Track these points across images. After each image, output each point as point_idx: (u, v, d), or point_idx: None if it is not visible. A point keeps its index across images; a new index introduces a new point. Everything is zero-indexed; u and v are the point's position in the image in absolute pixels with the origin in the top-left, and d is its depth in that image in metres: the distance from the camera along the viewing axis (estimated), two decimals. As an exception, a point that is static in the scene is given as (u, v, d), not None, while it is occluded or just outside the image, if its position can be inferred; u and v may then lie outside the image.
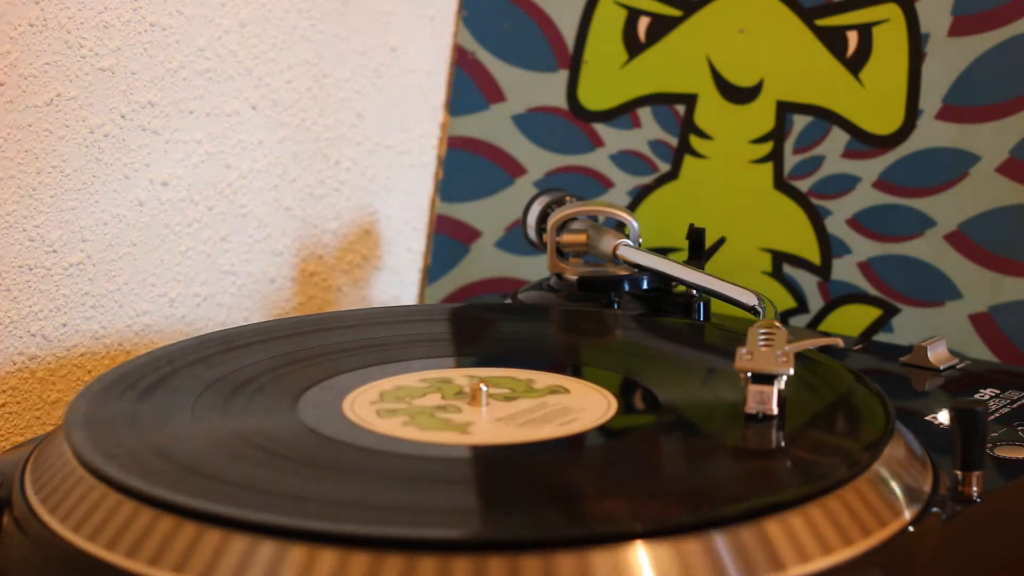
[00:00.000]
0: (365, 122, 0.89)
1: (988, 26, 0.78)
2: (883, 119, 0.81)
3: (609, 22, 0.89)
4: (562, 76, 0.90)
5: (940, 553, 0.52)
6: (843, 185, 0.82)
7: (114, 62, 0.76)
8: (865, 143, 0.82)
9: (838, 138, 0.82)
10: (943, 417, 0.64)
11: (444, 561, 0.46)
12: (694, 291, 0.74)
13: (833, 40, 0.82)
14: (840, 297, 0.83)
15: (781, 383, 0.56)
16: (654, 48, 0.88)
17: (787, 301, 0.84)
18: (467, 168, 0.93)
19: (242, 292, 0.84)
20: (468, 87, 0.93)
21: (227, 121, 0.82)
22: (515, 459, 0.54)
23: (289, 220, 0.86)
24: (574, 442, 0.55)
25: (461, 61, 0.93)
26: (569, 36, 0.90)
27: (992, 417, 0.64)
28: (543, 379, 0.63)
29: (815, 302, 0.83)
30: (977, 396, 0.67)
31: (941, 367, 0.71)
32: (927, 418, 0.64)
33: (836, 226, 0.82)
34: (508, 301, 0.80)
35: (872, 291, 0.82)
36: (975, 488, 0.54)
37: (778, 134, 0.84)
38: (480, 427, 0.57)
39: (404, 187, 0.92)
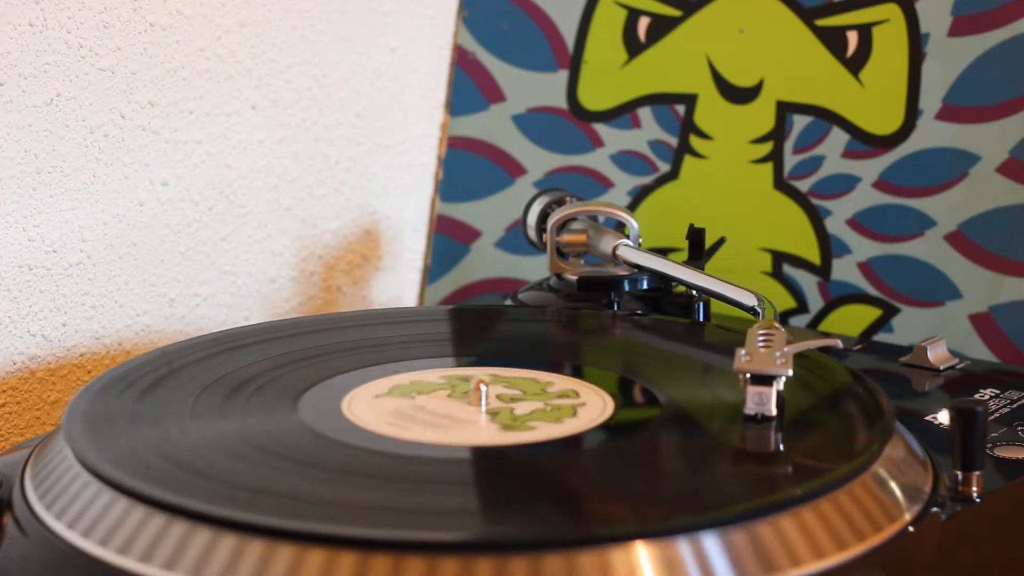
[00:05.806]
0: (365, 122, 0.89)
1: (988, 26, 0.78)
2: (883, 119, 0.81)
3: (609, 22, 0.89)
4: (562, 76, 0.90)
5: (940, 553, 0.52)
6: (843, 185, 0.82)
7: (114, 62, 0.76)
8: (865, 143, 0.82)
9: (838, 138, 0.82)
10: (943, 417, 0.64)
11: (431, 562, 0.46)
12: (694, 291, 0.74)
13: (833, 40, 0.82)
14: (840, 297, 0.83)
15: (780, 384, 0.56)
16: (654, 48, 0.88)
17: (787, 301, 0.84)
18: (467, 168, 0.93)
19: (242, 292, 0.84)
20: (468, 87, 0.93)
21: (227, 121, 0.82)
22: (511, 460, 0.54)
23: (289, 220, 0.86)
24: (571, 443, 0.55)
25: (461, 61, 0.93)
26: (569, 36, 0.90)
27: (992, 417, 0.64)
28: (542, 379, 0.63)
29: (815, 302, 0.83)
30: (977, 396, 0.67)
31: (941, 367, 0.71)
32: (927, 418, 0.64)
33: (836, 226, 0.82)
34: (508, 301, 0.80)
35: (872, 291, 0.82)
36: (975, 488, 0.54)
37: (778, 134, 0.84)
38: (476, 427, 0.57)
39: (404, 187, 0.92)
